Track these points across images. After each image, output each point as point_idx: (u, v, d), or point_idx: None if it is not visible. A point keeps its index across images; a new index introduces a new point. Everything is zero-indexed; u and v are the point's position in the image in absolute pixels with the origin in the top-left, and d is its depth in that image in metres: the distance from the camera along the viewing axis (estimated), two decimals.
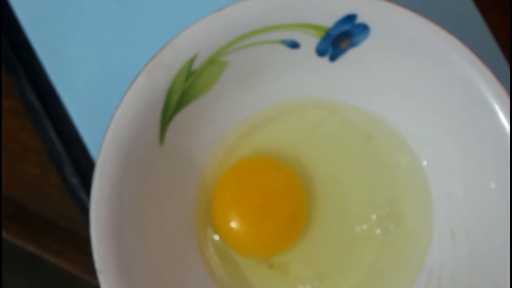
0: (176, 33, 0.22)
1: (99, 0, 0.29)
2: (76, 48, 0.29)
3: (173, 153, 0.24)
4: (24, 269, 0.52)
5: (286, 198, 0.25)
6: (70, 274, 0.31)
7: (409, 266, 0.26)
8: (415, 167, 0.26)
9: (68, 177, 0.29)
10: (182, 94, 0.23)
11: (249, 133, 0.26)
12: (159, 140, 0.24)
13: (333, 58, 0.24)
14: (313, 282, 0.26)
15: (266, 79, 0.25)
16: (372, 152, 0.26)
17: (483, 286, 0.23)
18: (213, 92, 0.24)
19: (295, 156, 0.26)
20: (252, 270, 0.26)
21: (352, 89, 0.25)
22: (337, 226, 0.26)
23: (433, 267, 0.25)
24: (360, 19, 0.22)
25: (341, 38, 0.23)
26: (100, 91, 0.29)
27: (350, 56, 0.24)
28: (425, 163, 0.26)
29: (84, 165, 0.29)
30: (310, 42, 0.23)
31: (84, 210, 0.29)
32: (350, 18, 0.22)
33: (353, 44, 0.23)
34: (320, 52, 0.24)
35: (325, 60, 0.24)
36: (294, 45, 0.23)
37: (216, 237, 0.26)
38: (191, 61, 0.22)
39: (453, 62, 0.22)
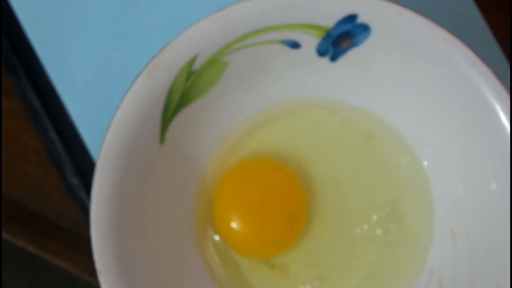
0: (177, 33, 0.22)
1: (99, 0, 0.29)
2: (77, 48, 0.29)
3: (174, 153, 0.24)
4: (24, 269, 0.52)
5: (287, 198, 0.25)
6: (70, 274, 0.31)
7: (409, 266, 0.26)
8: (415, 167, 0.26)
9: (68, 177, 0.29)
10: (182, 94, 0.23)
11: (250, 133, 0.26)
12: (159, 140, 0.24)
13: (333, 58, 0.24)
14: (313, 282, 0.26)
15: (266, 79, 0.25)
16: (373, 152, 0.26)
17: (484, 287, 0.23)
18: (214, 92, 0.24)
19: (296, 156, 0.26)
20: (253, 270, 0.26)
21: (353, 89, 0.25)
22: (337, 226, 0.26)
23: (434, 268, 0.25)
24: (360, 19, 0.22)
25: (341, 38, 0.23)
26: (101, 91, 0.29)
27: (351, 56, 0.24)
28: (425, 163, 0.26)
29: (84, 165, 0.29)
30: (310, 42, 0.23)
31: (85, 211, 0.29)
32: (351, 18, 0.22)
33: (353, 44, 0.23)
34: (321, 52, 0.24)
35: (325, 60, 0.24)
36: (294, 45, 0.23)
37: (217, 237, 0.26)
38: (192, 61, 0.22)
39: (453, 62, 0.22)
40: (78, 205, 0.29)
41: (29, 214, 0.31)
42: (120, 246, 0.22)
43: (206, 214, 0.26)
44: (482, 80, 0.22)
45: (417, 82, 0.24)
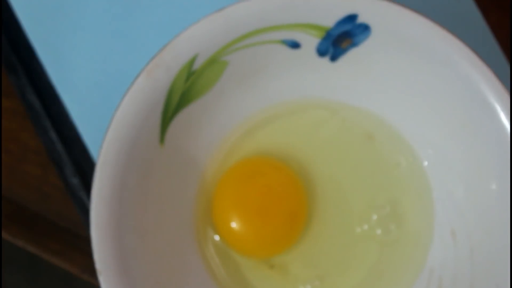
0: (177, 33, 0.22)
1: (99, 0, 0.29)
2: (77, 48, 0.29)
3: (174, 154, 0.24)
4: (24, 269, 0.52)
5: (287, 198, 0.25)
6: (70, 275, 0.31)
7: (410, 266, 0.26)
8: (415, 167, 0.26)
9: (68, 177, 0.29)
10: (182, 94, 0.23)
11: (250, 133, 0.26)
12: (159, 141, 0.24)
13: (333, 58, 0.24)
14: (313, 282, 0.26)
15: (266, 79, 0.25)
16: (373, 152, 0.26)
17: (484, 287, 0.23)
18: (214, 92, 0.24)
19: (296, 156, 0.26)
20: (253, 270, 0.26)
21: (353, 89, 0.25)
22: (337, 226, 0.26)
23: (434, 268, 0.25)
24: (361, 19, 0.22)
25: (341, 38, 0.23)
26: (101, 91, 0.29)
27: (351, 56, 0.24)
28: (426, 163, 0.26)
29: (84, 165, 0.29)
30: (310, 42, 0.23)
31: (85, 211, 0.29)
32: (351, 18, 0.22)
33: (353, 44, 0.23)
34: (321, 52, 0.24)
35: (325, 60, 0.24)
36: (294, 45, 0.23)
37: (217, 237, 0.26)
38: (192, 61, 0.22)
39: (454, 62, 0.22)
40: (78, 205, 0.29)
41: (29, 214, 0.31)
42: (120, 246, 0.22)
43: (206, 214, 0.26)
44: (482, 80, 0.22)
45: (417, 82, 0.24)
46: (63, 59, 0.29)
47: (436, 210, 0.26)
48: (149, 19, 0.29)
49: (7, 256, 0.50)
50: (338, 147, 0.26)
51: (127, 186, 0.22)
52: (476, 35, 0.29)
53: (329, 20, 0.22)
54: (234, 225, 0.25)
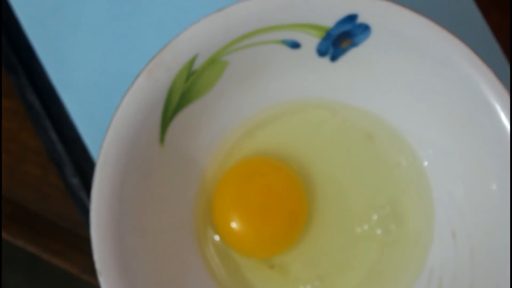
0: (177, 33, 0.22)
1: (99, 0, 0.29)
2: (77, 48, 0.29)
3: (174, 154, 0.24)
4: (24, 269, 0.52)
5: (287, 198, 0.25)
6: (70, 275, 0.31)
7: (410, 266, 0.26)
8: (416, 167, 0.26)
9: (68, 177, 0.29)
10: (182, 94, 0.23)
11: (250, 133, 0.26)
12: (159, 141, 0.24)
13: (334, 58, 0.24)
14: (313, 282, 0.26)
15: (266, 79, 0.25)
16: (373, 152, 0.26)
17: (484, 287, 0.23)
18: (214, 93, 0.24)
19: (296, 157, 0.26)
20: (253, 271, 0.26)
21: (353, 89, 0.25)
22: (337, 226, 0.26)
23: (434, 268, 0.25)
24: (361, 19, 0.22)
25: (342, 38, 0.23)
26: (101, 91, 0.29)
27: (351, 56, 0.24)
28: (426, 163, 0.26)
29: (84, 166, 0.29)
30: (311, 42, 0.23)
31: (85, 211, 0.29)
32: (351, 18, 0.22)
33: (354, 44, 0.23)
34: (321, 52, 0.24)
35: (326, 60, 0.24)
36: (294, 45, 0.23)
37: (217, 238, 0.26)
38: (192, 61, 0.22)
39: (454, 62, 0.22)
40: (78, 205, 0.29)
41: (29, 214, 0.31)
42: (120, 246, 0.22)
43: (206, 214, 0.26)
44: (483, 80, 0.22)
45: (417, 82, 0.24)
46: (63, 59, 0.29)
47: (436, 210, 0.26)
48: (149, 19, 0.29)
49: (7, 256, 0.50)
50: (338, 147, 0.26)
51: (127, 186, 0.22)
52: (476, 35, 0.29)
53: (329, 20, 0.22)
54: (234, 225, 0.25)
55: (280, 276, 0.26)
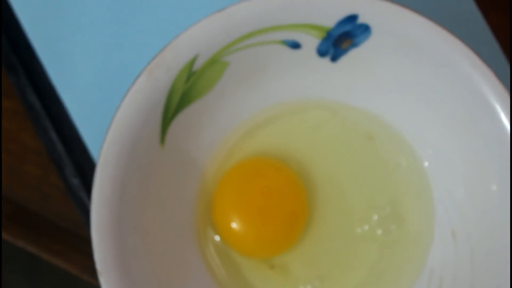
0: (177, 33, 0.22)
1: (100, 0, 0.29)
2: (77, 48, 0.29)
3: (174, 154, 0.24)
4: (24, 269, 0.52)
5: (287, 198, 0.25)
6: (71, 275, 0.31)
7: (410, 267, 0.26)
8: (416, 168, 0.26)
9: (68, 177, 0.29)
10: (183, 94, 0.23)
11: (250, 133, 0.26)
12: (160, 141, 0.24)
13: (334, 58, 0.24)
14: (314, 282, 0.26)
15: (267, 80, 0.25)
16: (373, 152, 0.26)
17: (485, 287, 0.23)
18: (214, 93, 0.24)
19: (296, 157, 0.26)
20: (253, 271, 0.26)
21: (353, 89, 0.25)
22: (338, 227, 0.26)
23: (434, 268, 0.25)
24: (361, 20, 0.22)
25: (342, 38, 0.23)
26: (101, 92, 0.29)
27: (351, 57, 0.24)
28: (426, 163, 0.26)
29: (84, 166, 0.29)
30: (311, 42, 0.23)
31: (85, 211, 0.29)
32: (352, 18, 0.22)
33: (354, 45, 0.23)
34: (321, 52, 0.24)
35: (326, 61, 0.24)
36: (295, 45, 0.23)
37: (217, 238, 0.26)
38: (192, 61, 0.22)
39: (454, 63, 0.22)
40: (78, 206, 0.29)
41: (29, 214, 0.31)
42: (121, 246, 0.22)
43: (207, 214, 0.26)
44: (483, 80, 0.22)
45: (417, 83, 0.24)
46: (63, 59, 0.29)
47: (437, 210, 0.26)
48: (149, 19, 0.29)
49: (7, 256, 0.50)
50: (338, 148, 0.26)
51: (127, 187, 0.22)
52: (477, 36, 0.29)
53: (330, 20, 0.22)
54: (234, 225, 0.25)
55: (280, 276, 0.26)
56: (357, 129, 0.26)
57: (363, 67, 0.24)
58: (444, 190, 0.25)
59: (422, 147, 0.26)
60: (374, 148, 0.26)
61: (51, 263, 0.31)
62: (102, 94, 0.29)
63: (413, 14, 0.22)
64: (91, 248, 0.22)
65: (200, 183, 0.26)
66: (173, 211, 0.25)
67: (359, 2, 0.22)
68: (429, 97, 0.24)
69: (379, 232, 0.26)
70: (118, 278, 0.22)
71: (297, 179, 0.26)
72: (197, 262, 0.25)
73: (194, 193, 0.26)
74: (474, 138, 0.23)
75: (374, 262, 0.26)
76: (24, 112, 0.30)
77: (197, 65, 0.23)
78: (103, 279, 0.22)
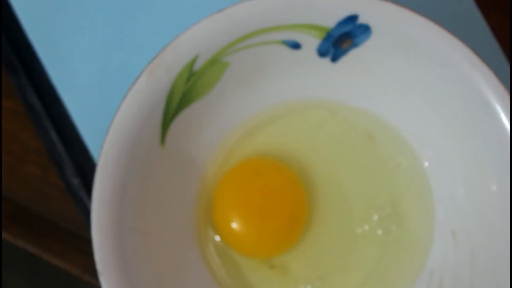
0: (178, 34, 0.22)
1: (100, 0, 0.29)
2: (77, 48, 0.29)
3: (174, 154, 0.24)
4: (25, 269, 0.52)
5: (287, 199, 0.25)
6: (71, 275, 0.31)
7: (410, 267, 0.26)
8: (416, 168, 0.26)
9: (69, 177, 0.29)
10: (183, 95, 0.23)
11: (250, 134, 0.26)
12: (160, 141, 0.24)
13: (334, 59, 0.24)
14: (314, 282, 0.26)
15: (267, 80, 0.25)
16: (374, 152, 0.26)
17: (485, 287, 0.23)
18: (214, 93, 0.24)
19: (296, 157, 0.26)
20: (253, 271, 0.26)
21: (354, 89, 0.25)
22: (338, 227, 0.26)
23: (435, 268, 0.25)
24: (361, 20, 0.22)
25: (342, 38, 0.23)
26: (101, 92, 0.29)
27: (352, 57, 0.24)
28: (426, 164, 0.26)
29: (85, 166, 0.29)
30: (311, 42, 0.23)
31: (85, 211, 0.29)
32: (352, 18, 0.22)
33: (354, 45, 0.23)
34: (322, 52, 0.24)
35: (326, 61, 0.24)
36: (295, 45, 0.23)
37: (217, 238, 0.26)
38: (193, 61, 0.22)
39: (454, 63, 0.22)
40: (78, 206, 0.29)
41: (30, 214, 0.31)
42: (121, 247, 0.22)
43: (207, 214, 0.26)
44: (483, 80, 0.22)
45: (417, 83, 0.24)
46: (64, 59, 0.29)
47: (437, 210, 0.26)
48: (149, 19, 0.29)
49: (7, 256, 0.50)
50: (338, 148, 0.26)
51: (128, 187, 0.22)
52: (477, 36, 0.29)
53: (330, 20, 0.22)
54: (234, 225, 0.25)
55: (280, 276, 0.26)
56: (357, 129, 0.26)
57: (363, 67, 0.24)
58: (444, 190, 0.25)
59: (422, 147, 0.26)
60: (374, 148, 0.26)
61: (51, 263, 0.31)
62: (102, 94, 0.29)
63: (413, 14, 0.22)
64: (91, 248, 0.22)
65: (200, 183, 0.26)
66: (173, 211, 0.25)
67: (359, 2, 0.22)
68: (429, 97, 0.24)
69: (379, 232, 0.26)
70: (119, 278, 0.22)
71: (297, 179, 0.26)
72: (197, 262, 0.25)
73: (194, 193, 0.26)
74: (474, 138, 0.23)
75: (374, 262, 0.26)
76: (24, 112, 0.30)
77: (197, 65, 0.23)
78: (103, 279, 0.22)
